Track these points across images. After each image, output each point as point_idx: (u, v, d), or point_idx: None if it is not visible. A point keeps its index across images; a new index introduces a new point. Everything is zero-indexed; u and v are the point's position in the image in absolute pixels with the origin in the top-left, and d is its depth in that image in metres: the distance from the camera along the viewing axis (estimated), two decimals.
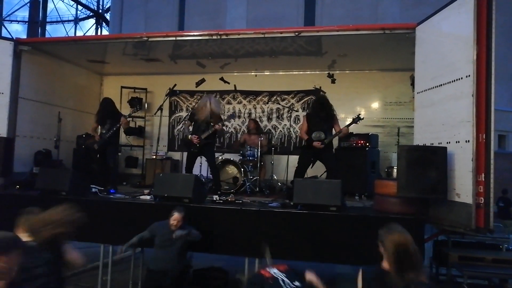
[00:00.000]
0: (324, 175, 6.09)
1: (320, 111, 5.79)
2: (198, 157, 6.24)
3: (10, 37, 9.57)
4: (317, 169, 6.15)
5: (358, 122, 5.70)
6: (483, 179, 3.71)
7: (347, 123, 5.91)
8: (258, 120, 8.02)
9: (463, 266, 4.87)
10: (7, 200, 5.31)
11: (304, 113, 7.33)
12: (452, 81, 4.07)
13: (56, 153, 7.02)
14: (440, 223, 4.22)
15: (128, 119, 6.45)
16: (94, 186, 5.60)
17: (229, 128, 8.36)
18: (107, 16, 31.81)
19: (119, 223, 4.83)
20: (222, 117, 6.62)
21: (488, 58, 3.76)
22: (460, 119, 3.93)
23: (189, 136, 5.99)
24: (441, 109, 4.27)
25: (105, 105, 6.33)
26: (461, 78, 3.93)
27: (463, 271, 4.75)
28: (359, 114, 5.71)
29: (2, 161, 5.53)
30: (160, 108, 7.06)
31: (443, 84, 4.23)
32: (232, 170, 6.86)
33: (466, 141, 3.82)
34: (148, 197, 5.18)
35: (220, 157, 7.00)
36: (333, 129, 5.74)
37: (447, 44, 4.24)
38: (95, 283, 5.11)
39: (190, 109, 8.24)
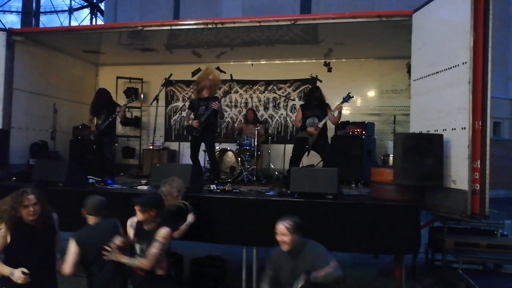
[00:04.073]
0: (321, 163, 6.11)
1: (314, 100, 5.82)
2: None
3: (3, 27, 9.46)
4: (314, 158, 6.16)
5: (349, 101, 5.70)
6: (479, 166, 3.72)
7: (343, 111, 5.90)
8: (255, 109, 8.01)
9: (458, 252, 4.94)
10: (4, 192, 5.28)
11: (301, 102, 7.32)
12: (449, 68, 4.07)
13: (52, 145, 7.01)
14: (436, 210, 4.25)
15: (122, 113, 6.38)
16: (91, 177, 5.59)
17: (226, 117, 8.35)
18: (102, 6, 31.39)
19: (116, 214, 4.81)
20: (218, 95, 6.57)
21: (485, 45, 3.74)
22: (456, 106, 3.93)
23: (190, 121, 6.01)
24: (437, 96, 4.27)
25: (100, 95, 6.28)
26: (458, 65, 3.92)
27: (458, 257, 4.82)
28: (349, 93, 5.71)
29: None
30: (156, 98, 7.01)
31: (440, 71, 4.22)
32: (229, 159, 6.87)
33: (462, 128, 3.83)
34: (145, 188, 5.17)
35: (217, 147, 7.00)
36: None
37: (443, 31, 4.22)
38: None
39: (187, 98, 8.22)
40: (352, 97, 5.75)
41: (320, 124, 5.62)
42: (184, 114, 7.51)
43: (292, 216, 3.09)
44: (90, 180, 5.51)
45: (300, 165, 5.82)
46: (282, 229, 2.99)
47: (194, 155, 6.05)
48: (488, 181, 3.71)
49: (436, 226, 5.56)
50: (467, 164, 3.72)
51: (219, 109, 5.99)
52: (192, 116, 6.14)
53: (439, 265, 5.64)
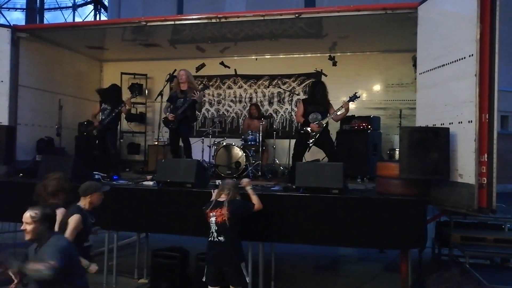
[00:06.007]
0: (326, 159, 6.08)
1: (317, 95, 5.75)
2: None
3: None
4: (319, 153, 6.14)
5: (355, 100, 5.66)
6: (486, 159, 3.69)
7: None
8: (259, 104, 7.98)
9: (465, 246, 4.91)
10: (11, 188, 5.34)
11: (306, 97, 7.28)
12: (455, 61, 4.02)
13: (58, 141, 7.03)
14: (442, 204, 4.22)
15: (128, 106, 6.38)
16: (97, 172, 5.62)
17: (231, 113, 8.34)
18: (106, 2, 31.38)
19: (123, 209, 4.86)
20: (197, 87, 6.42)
21: (492, 37, 3.69)
22: (463, 99, 3.89)
23: (166, 113, 6.06)
24: (443, 89, 4.23)
25: (111, 88, 6.34)
26: (464, 57, 3.88)
27: (465, 251, 4.79)
28: (356, 92, 5.67)
29: (4, 149, 5.54)
30: (161, 94, 7.02)
31: (446, 64, 4.17)
32: (234, 155, 6.86)
33: (468, 122, 3.79)
34: (151, 183, 5.19)
35: (222, 142, 7.00)
36: (328, 113, 5.66)
37: (450, 23, 4.17)
38: (101, 268, 5.17)
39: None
40: (359, 97, 5.71)
41: (324, 122, 5.56)
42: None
43: (45, 207, 3.02)
44: (96, 176, 5.53)
45: (303, 161, 5.78)
46: (27, 217, 2.90)
47: (174, 148, 6.12)
48: (495, 175, 3.67)
49: (443, 220, 5.53)
50: (473, 158, 3.69)
51: (198, 99, 5.95)
52: (170, 108, 6.14)
53: (445, 260, 5.62)
